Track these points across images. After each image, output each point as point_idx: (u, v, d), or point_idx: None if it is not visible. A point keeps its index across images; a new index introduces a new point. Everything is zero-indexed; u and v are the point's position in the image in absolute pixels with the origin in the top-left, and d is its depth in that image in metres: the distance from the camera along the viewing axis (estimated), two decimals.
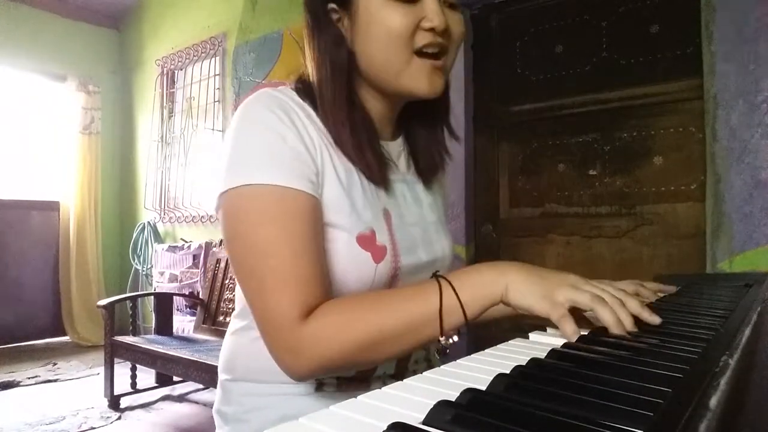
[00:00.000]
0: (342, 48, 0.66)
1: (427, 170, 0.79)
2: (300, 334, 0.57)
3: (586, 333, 0.51)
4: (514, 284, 0.55)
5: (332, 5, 0.67)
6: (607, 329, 0.50)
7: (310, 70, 0.69)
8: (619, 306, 0.51)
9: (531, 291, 0.54)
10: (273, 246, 0.58)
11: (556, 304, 0.52)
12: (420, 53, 0.64)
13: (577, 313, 0.53)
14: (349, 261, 0.64)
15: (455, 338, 0.58)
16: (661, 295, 0.74)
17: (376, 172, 0.68)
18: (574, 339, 0.49)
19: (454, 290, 0.56)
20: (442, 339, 0.57)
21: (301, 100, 0.67)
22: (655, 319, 0.51)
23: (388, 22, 0.63)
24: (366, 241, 0.65)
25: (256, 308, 0.60)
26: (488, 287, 0.56)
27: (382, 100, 0.71)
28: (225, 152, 0.63)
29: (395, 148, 0.76)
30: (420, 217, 0.76)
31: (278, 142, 0.61)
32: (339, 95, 0.66)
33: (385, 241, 0.67)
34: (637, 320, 0.51)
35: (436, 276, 0.59)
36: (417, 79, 0.65)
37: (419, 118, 0.77)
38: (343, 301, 0.60)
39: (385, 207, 0.70)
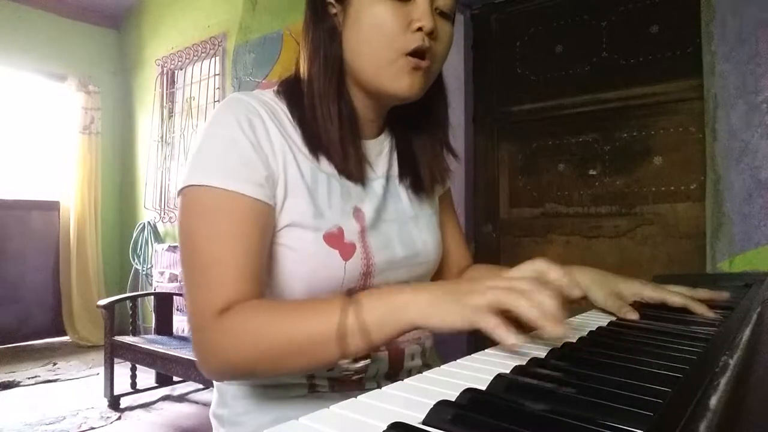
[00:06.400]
0: (335, 41, 0.67)
1: (425, 182, 0.77)
2: (210, 333, 0.57)
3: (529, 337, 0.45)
4: (421, 307, 0.50)
5: None
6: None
7: (303, 64, 0.70)
8: (535, 297, 0.46)
9: (440, 309, 0.49)
10: (204, 243, 0.59)
11: (476, 310, 0.47)
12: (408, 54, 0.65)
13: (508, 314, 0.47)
14: (317, 259, 0.64)
15: (367, 361, 0.55)
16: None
17: (354, 169, 0.69)
18: (516, 344, 0.44)
19: (357, 311, 0.52)
20: (344, 362, 0.53)
21: (276, 102, 0.69)
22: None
23: (377, 19, 0.63)
24: (333, 239, 0.65)
25: (186, 302, 0.62)
26: (397, 312, 0.51)
27: (366, 99, 0.71)
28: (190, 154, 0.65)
29: (375, 146, 0.76)
30: (398, 212, 0.75)
31: (228, 146, 0.62)
32: (329, 88, 0.67)
33: (354, 238, 0.67)
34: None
35: (348, 293, 0.57)
36: (397, 79, 0.65)
37: (415, 129, 0.77)
38: (258, 305, 0.58)
39: (357, 205, 0.69)
